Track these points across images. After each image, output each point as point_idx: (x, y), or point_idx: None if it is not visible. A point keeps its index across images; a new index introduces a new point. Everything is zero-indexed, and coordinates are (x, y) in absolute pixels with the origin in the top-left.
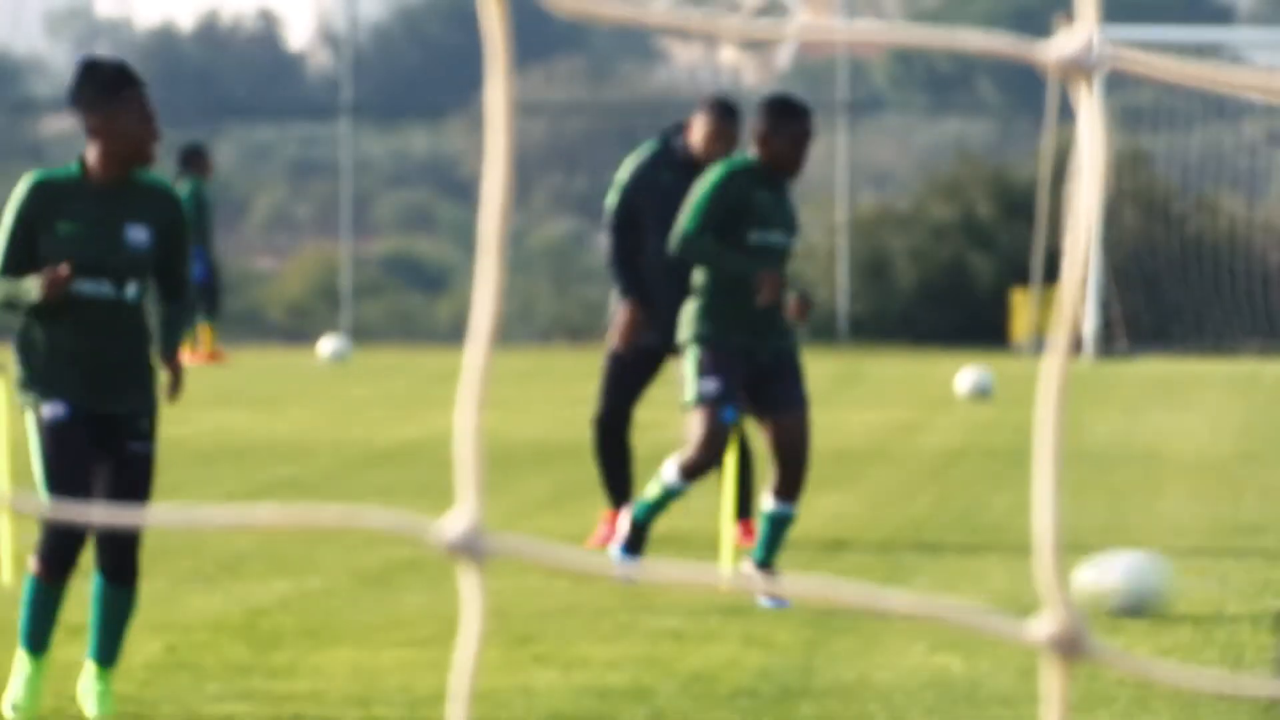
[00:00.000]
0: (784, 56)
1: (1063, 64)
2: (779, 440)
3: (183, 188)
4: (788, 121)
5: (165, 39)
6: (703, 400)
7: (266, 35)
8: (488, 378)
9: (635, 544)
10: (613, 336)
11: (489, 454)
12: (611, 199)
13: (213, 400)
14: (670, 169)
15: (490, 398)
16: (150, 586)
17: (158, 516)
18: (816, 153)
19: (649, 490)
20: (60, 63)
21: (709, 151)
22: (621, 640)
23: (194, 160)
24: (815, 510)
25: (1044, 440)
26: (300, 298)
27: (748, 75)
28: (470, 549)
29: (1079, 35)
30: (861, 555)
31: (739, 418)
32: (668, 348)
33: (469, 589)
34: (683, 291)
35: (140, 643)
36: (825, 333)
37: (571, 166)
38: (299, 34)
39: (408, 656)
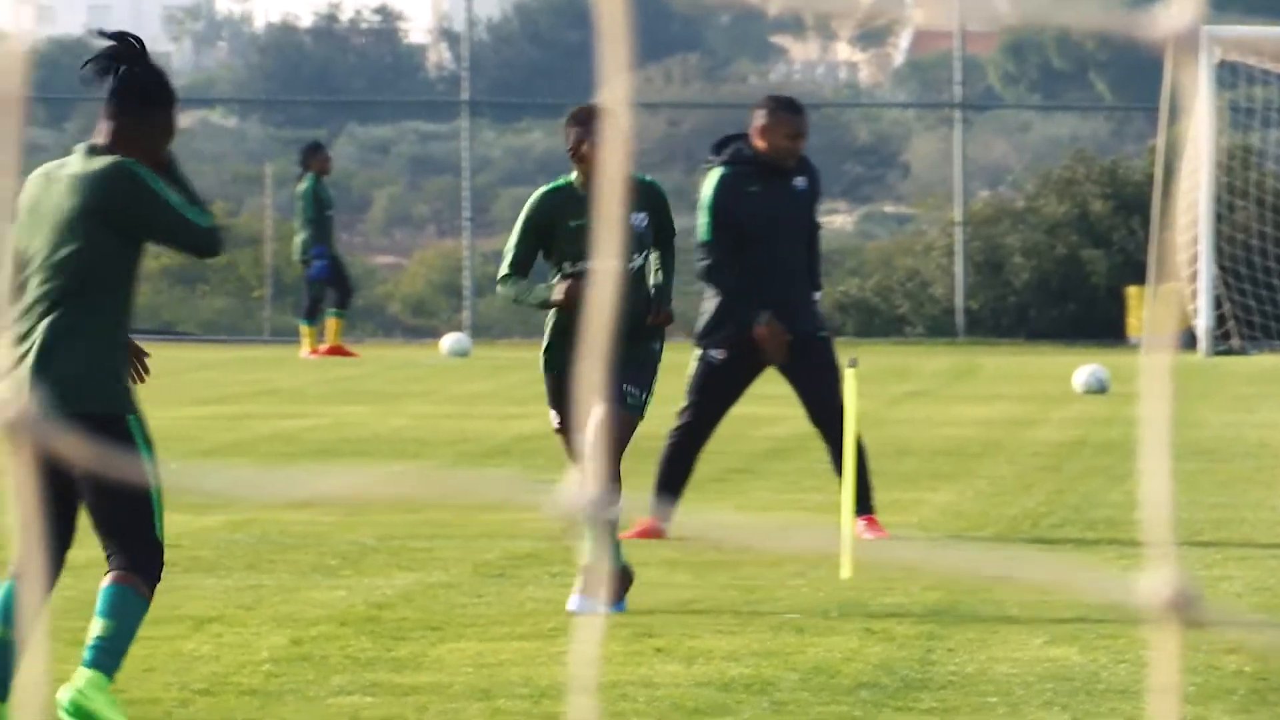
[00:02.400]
0: (898, 54)
1: (1172, 37)
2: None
3: (302, 185)
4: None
5: (284, 35)
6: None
7: (385, 31)
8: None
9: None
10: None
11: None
12: (703, 220)
13: (334, 395)
14: (751, 178)
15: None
16: (274, 580)
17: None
18: (932, 150)
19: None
20: (180, 61)
21: (782, 149)
22: (742, 632)
23: (313, 157)
24: (930, 504)
25: (1155, 411)
26: (422, 294)
27: (863, 73)
28: (596, 512)
29: (1187, 9)
30: (976, 549)
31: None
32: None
33: (594, 553)
34: (785, 294)
35: (265, 636)
36: (942, 328)
37: (689, 164)
38: (418, 30)
39: (530, 649)
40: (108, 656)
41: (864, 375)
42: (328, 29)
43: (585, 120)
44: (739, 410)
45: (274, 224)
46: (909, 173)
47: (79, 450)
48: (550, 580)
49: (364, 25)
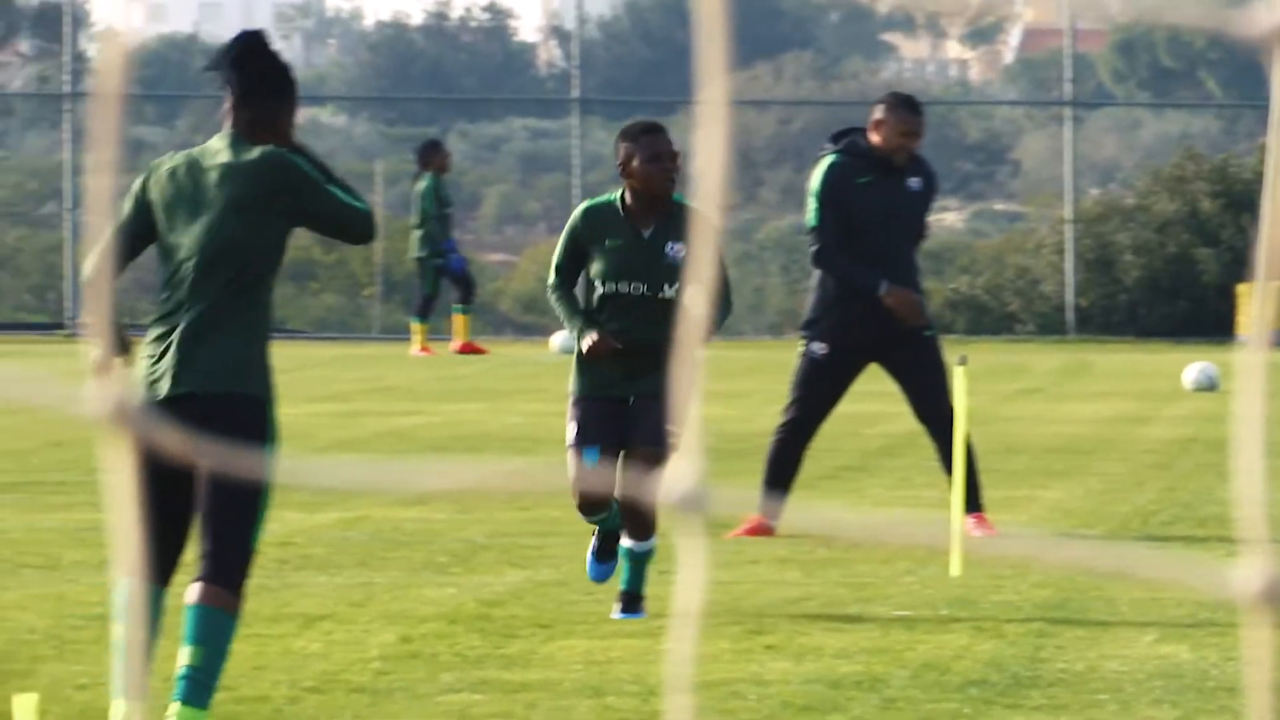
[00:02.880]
0: (1009, 51)
1: (1273, 34)
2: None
3: (421, 183)
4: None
5: (395, 33)
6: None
7: (495, 29)
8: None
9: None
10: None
11: (708, 443)
12: (811, 205)
13: (447, 392)
14: (862, 171)
15: (718, 390)
16: (385, 578)
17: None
18: (1042, 147)
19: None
20: (290, 58)
21: (894, 145)
22: (852, 630)
23: (431, 155)
24: (1041, 502)
25: (1251, 407)
26: (533, 291)
27: (973, 70)
28: (693, 503)
29: None
30: (1086, 546)
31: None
32: (875, 347)
33: (690, 544)
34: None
35: (375, 633)
36: (1052, 326)
37: (800, 161)
38: (528, 27)
39: (641, 646)
40: (202, 690)
41: (974, 373)
42: (438, 27)
43: (637, 136)
44: (851, 407)
45: (384, 222)
46: (1019, 170)
47: (187, 441)
48: (659, 578)
49: (474, 23)
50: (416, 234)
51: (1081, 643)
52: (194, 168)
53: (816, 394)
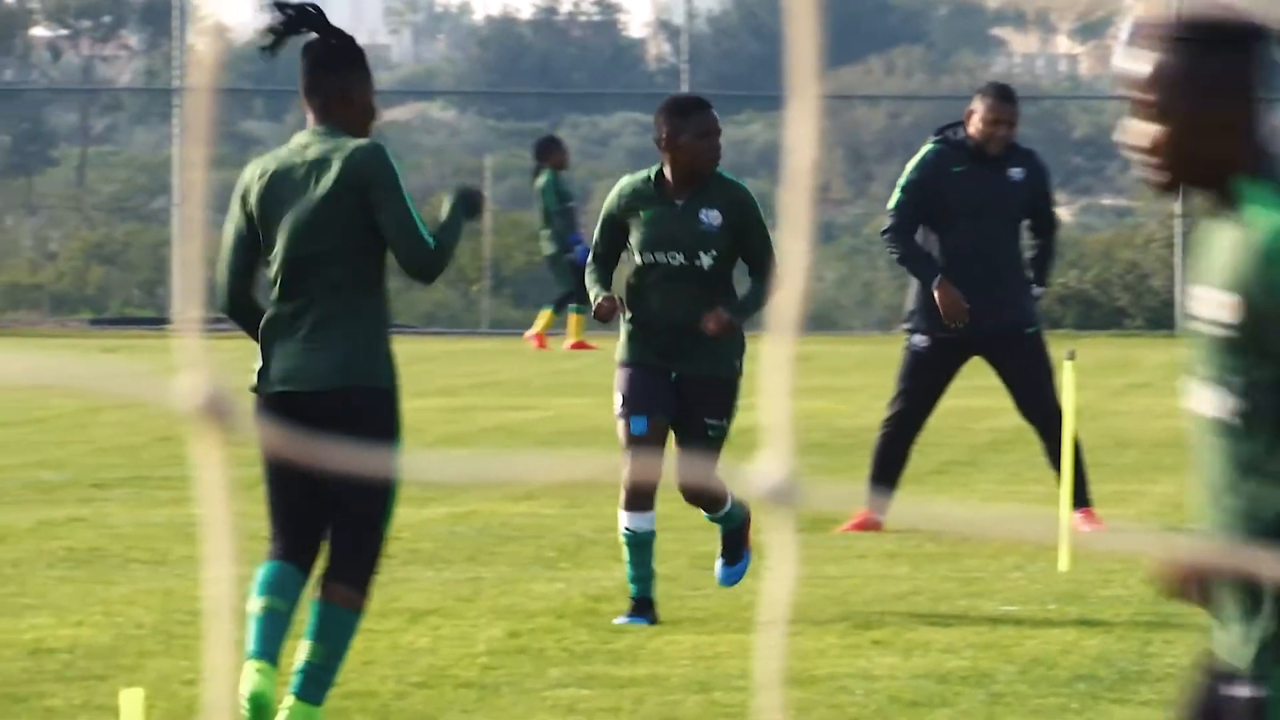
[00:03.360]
0: (1118, 46)
1: None
2: None
3: (541, 179)
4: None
5: (504, 28)
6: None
7: (604, 24)
8: (796, 337)
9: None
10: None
11: (816, 439)
12: (894, 198)
13: (557, 387)
14: (958, 161)
15: (826, 384)
16: (493, 572)
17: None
18: None
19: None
20: (400, 53)
21: (985, 134)
22: (960, 625)
23: (549, 151)
24: (1150, 497)
25: None
26: None
27: (1083, 65)
28: (784, 496)
29: None
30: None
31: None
32: (976, 341)
33: (780, 537)
34: (990, 282)
35: (483, 628)
36: (1161, 321)
37: (909, 155)
38: (637, 21)
39: (747, 641)
40: (317, 687)
41: (1084, 368)
42: (547, 21)
43: (687, 112)
44: (959, 402)
45: (493, 217)
46: (1128, 165)
47: (298, 436)
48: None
49: (583, 18)
50: (544, 233)
51: (1190, 637)
52: (286, 166)
53: (919, 387)
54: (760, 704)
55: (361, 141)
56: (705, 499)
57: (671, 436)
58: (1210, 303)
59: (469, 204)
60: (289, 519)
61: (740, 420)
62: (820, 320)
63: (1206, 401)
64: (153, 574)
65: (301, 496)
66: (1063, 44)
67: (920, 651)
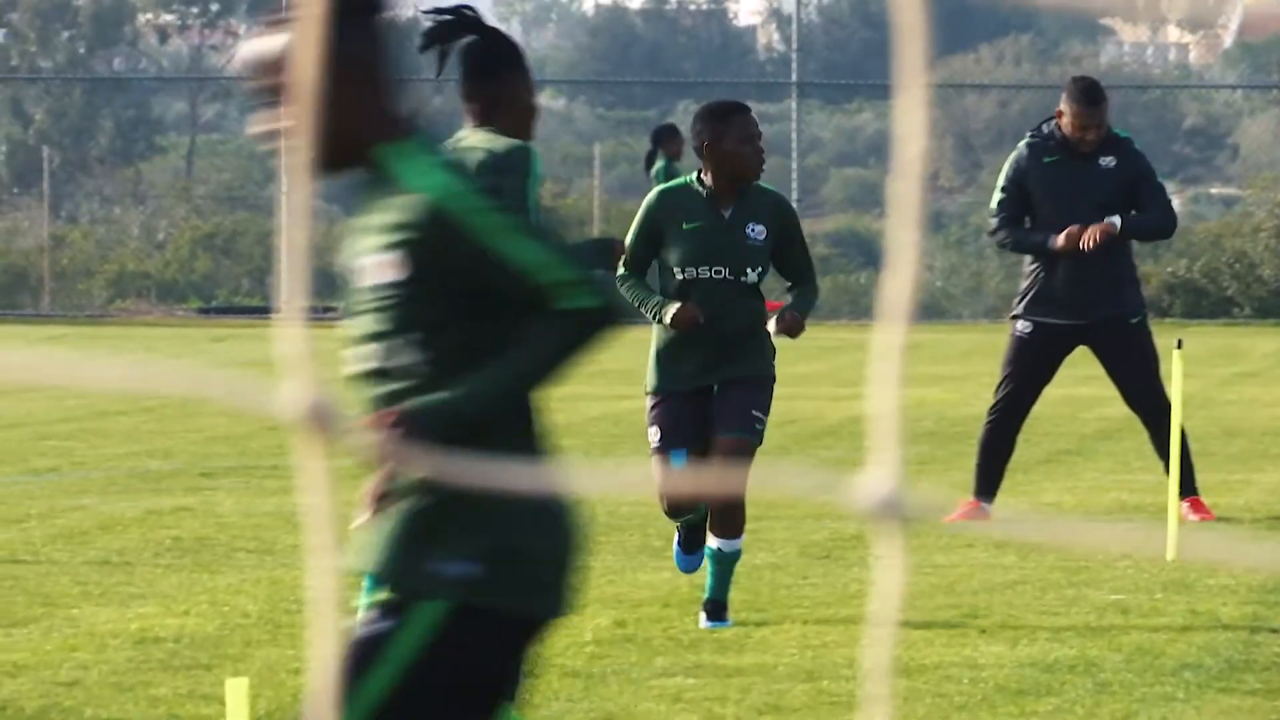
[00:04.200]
0: (1228, 35)
1: None
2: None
3: (656, 166)
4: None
5: (614, 17)
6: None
7: (715, 13)
8: (903, 335)
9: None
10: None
11: (925, 428)
12: (995, 198)
13: None
14: (1051, 151)
15: (935, 373)
16: (600, 562)
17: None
18: (1262, 131)
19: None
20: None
21: (1077, 140)
22: (1067, 613)
23: (667, 139)
24: (1258, 485)
25: None
26: None
27: (1192, 54)
28: (891, 509)
29: None
30: None
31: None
32: (1081, 330)
33: (888, 551)
34: (1093, 272)
35: (589, 616)
36: (1270, 309)
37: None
38: (747, 10)
39: (855, 631)
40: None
41: (1192, 357)
42: (657, 11)
43: (727, 116)
44: (1068, 391)
45: (602, 205)
46: (1237, 154)
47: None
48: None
49: (693, 6)
50: None
51: None
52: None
53: (1024, 374)
54: (868, 693)
55: (510, 142)
56: (736, 512)
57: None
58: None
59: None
60: None
61: (848, 409)
62: (929, 309)
63: None
64: (259, 563)
65: None
66: (1172, 33)
67: (1027, 640)
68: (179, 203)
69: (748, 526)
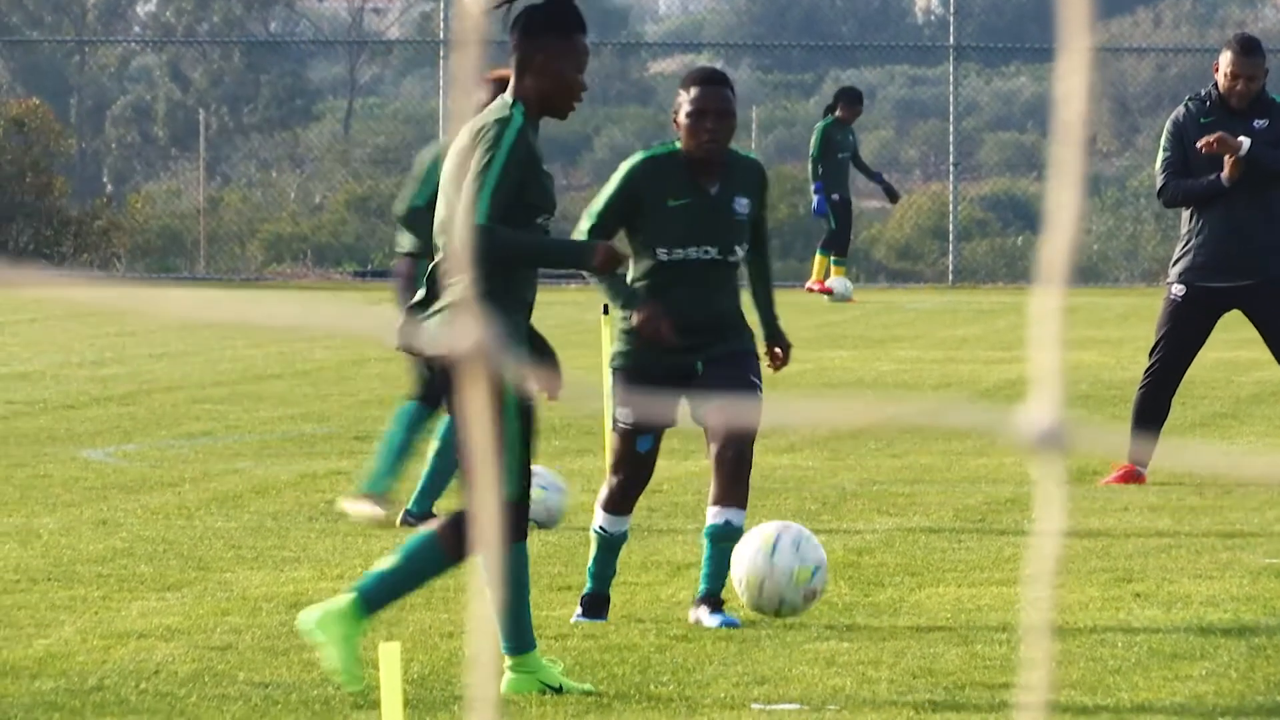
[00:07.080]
0: None
1: None
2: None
3: (817, 126)
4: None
5: None
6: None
7: None
8: (1064, 289)
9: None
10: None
11: (1081, 391)
12: (1159, 158)
13: (819, 339)
14: (1207, 113)
15: (1091, 336)
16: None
17: None
18: None
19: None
20: (667, 6)
21: (1228, 87)
22: (1222, 577)
23: (838, 102)
24: None
25: None
26: (908, 238)
27: None
28: (1054, 441)
29: None
30: None
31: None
32: (1235, 293)
33: (1048, 482)
34: (1245, 235)
35: None
36: None
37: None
38: None
39: (1009, 594)
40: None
41: None
42: None
43: (688, 85)
44: (1225, 354)
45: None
46: None
47: (535, 380)
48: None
49: None
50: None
51: None
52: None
53: (1177, 336)
54: (1023, 656)
55: (485, 112)
56: (744, 475)
57: (687, 412)
58: None
59: (586, 257)
60: None
61: (1005, 372)
62: (1086, 273)
63: None
64: (413, 527)
65: None
66: None
67: (1181, 604)
68: (336, 166)
69: (904, 490)
